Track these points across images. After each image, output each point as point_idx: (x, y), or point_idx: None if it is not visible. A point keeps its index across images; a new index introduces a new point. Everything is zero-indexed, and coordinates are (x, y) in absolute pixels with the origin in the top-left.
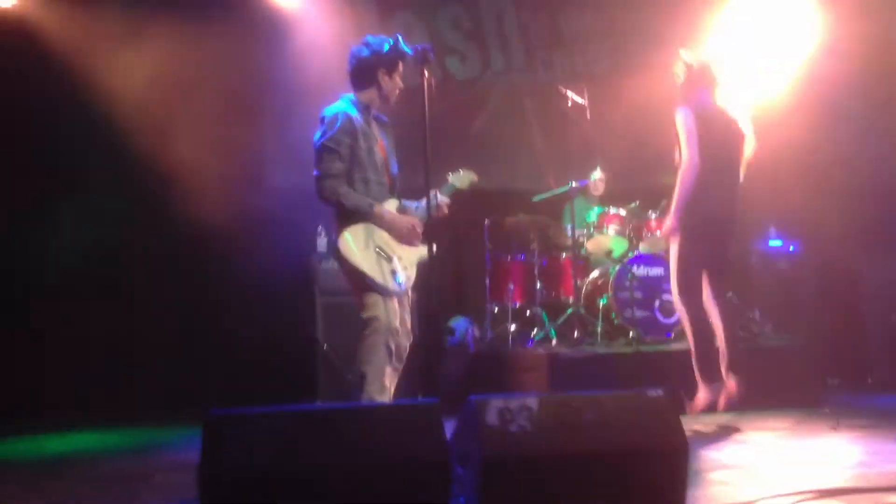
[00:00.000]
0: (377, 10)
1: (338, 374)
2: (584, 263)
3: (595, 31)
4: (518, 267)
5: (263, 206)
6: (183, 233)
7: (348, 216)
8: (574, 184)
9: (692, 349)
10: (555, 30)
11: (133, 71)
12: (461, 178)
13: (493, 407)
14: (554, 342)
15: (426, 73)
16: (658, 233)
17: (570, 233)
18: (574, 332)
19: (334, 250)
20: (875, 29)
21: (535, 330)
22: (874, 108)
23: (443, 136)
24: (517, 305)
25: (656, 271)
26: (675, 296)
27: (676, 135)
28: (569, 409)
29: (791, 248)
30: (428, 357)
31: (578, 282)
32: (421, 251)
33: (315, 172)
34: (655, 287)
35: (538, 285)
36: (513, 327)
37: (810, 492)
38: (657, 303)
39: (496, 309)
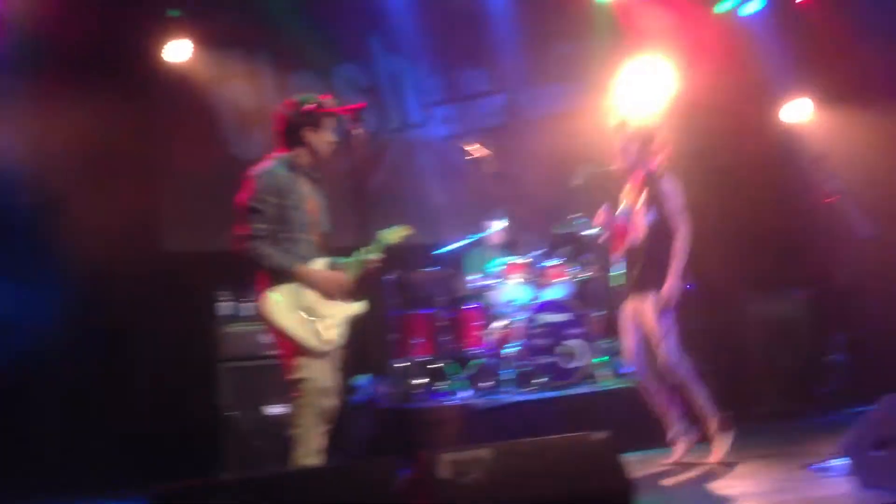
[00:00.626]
0: (274, 71)
1: (245, 443)
2: (489, 313)
3: (489, 86)
4: (422, 321)
5: (162, 270)
6: (78, 299)
7: (275, 277)
8: (481, 234)
9: (701, 403)
10: (449, 86)
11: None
12: (391, 234)
13: (445, 460)
14: (464, 393)
15: (355, 130)
16: (559, 280)
17: (473, 283)
18: (483, 382)
19: (259, 312)
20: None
21: (444, 382)
22: (745, 160)
23: (343, 193)
24: (423, 359)
25: (561, 317)
26: (671, 359)
27: (658, 199)
28: (519, 457)
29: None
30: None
31: (484, 331)
32: (350, 308)
33: (240, 234)
34: (558, 333)
35: (444, 338)
36: (420, 381)
37: None
38: (561, 348)
39: (401, 365)
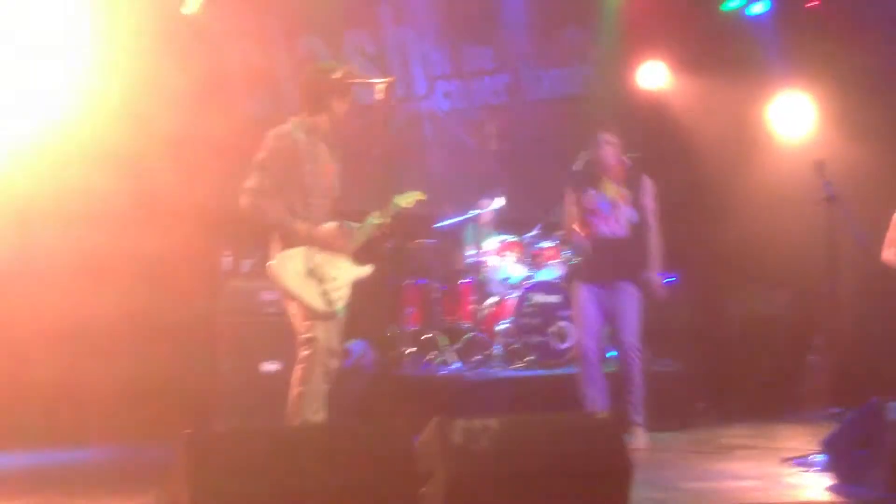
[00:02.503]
0: (282, 33)
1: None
2: (482, 289)
3: (494, 65)
4: (417, 291)
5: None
6: None
7: (282, 238)
8: (478, 211)
9: (638, 392)
10: (455, 62)
11: None
12: (406, 198)
13: (457, 427)
14: (453, 365)
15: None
16: (552, 262)
17: (469, 258)
18: (473, 356)
19: (268, 274)
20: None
21: (434, 353)
22: (731, 159)
23: (349, 159)
24: (415, 329)
25: (553, 298)
26: (637, 343)
27: (638, 194)
28: (526, 430)
29: (669, 279)
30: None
31: (477, 307)
32: (357, 270)
33: (244, 186)
34: (551, 314)
35: (437, 310)
36: (411, 350)
37: None
38: (552, 329)
39: (394, 332)
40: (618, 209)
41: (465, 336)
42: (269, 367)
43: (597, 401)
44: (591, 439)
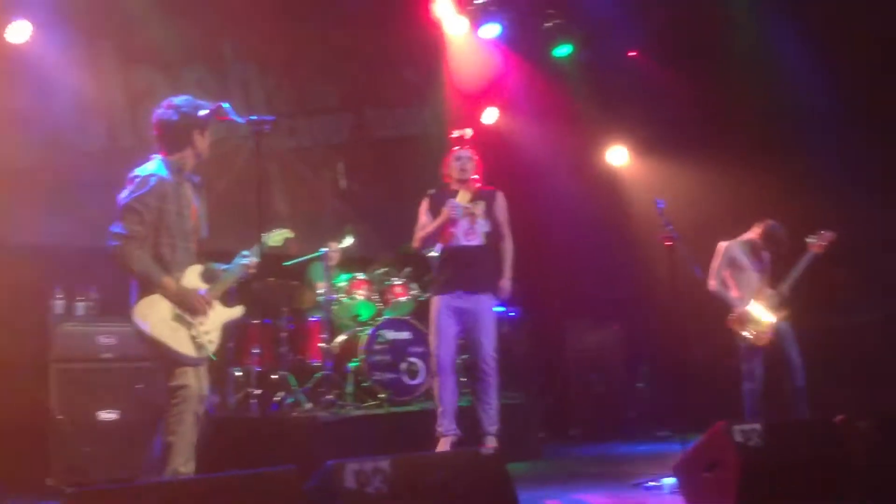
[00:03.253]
0: (117, 64)
1: (74, 448)
2: (331, 327)
3: (338, 102)
4: (263, 331)
5: None
6: None
7: (144, 284)
8: (328, 249)
9: (493, 402)
10: (300, 99)
11: None
12: (274, 237)
13: (350, 470)
14: (305, 406)
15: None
16: (402, 299)
17: (318, 296)
18: (323, 396)
19: (132, 320)
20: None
21: (283, 394)
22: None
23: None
24: (262, 370)
25: (403, 335)
26: (493, 353)
27: (492, 209)
28: (417, 469)
29: (511, 313)
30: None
31: (326, 345)
32: (227, 312)
33: (113, 230)
34: (402, 350)
35: (284, 349)
36: (257, 392)
37: None
38: (403, 365)
39: (239, 374)
40: (473, 220)
41: (316, 375)
42: (107, 415)
43: (449, 410)
44: (479, 476)
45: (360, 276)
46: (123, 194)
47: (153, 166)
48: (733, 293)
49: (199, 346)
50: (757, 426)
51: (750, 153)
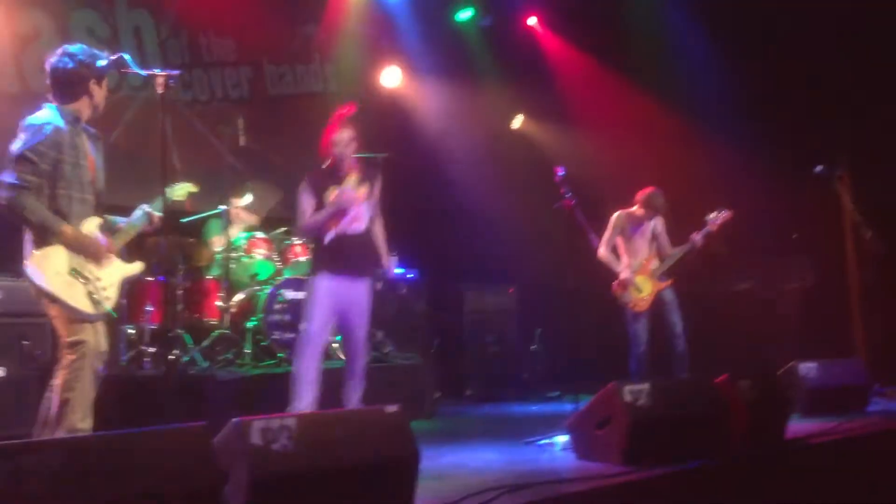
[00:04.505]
0: (2, 3)
1: None
2: (229, 286)
3: (235, 56)
4: (157, 288)
5: None
6: None
7: (43, 236)
8: (227, 206)
9: (359, 385)
10: (195, 51)
11: None
12: (177, 190)
13: (256, 428)
14: (201, 365)
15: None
16: (301, 259)
17: (216, 255)
18: (220, 354)
19: (26, 274)
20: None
21: (178, 352)
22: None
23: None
24: (156, 327)
25: (302, 295)
26: (366, 339)
27: (377, 196)
28: (322, 426)
29: (409, 276)
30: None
31: (224, 304)
32: (125, 269)
33: (5, 181)
34: (301, 310)
35: (180, 307)
36: (152, 350)
37: (503, 487)
38: (302, 325)
39: (132, 331)
40: (359, 206)
41: (213, 334)
42: None
43: (310, 387)
44: (383, 432)
45: (260, 234)
46: (16, 144)
47: (48, 114)
48: (624, 260)
49: (96, 303)
50: (645, 386)
51: (649, 122)
